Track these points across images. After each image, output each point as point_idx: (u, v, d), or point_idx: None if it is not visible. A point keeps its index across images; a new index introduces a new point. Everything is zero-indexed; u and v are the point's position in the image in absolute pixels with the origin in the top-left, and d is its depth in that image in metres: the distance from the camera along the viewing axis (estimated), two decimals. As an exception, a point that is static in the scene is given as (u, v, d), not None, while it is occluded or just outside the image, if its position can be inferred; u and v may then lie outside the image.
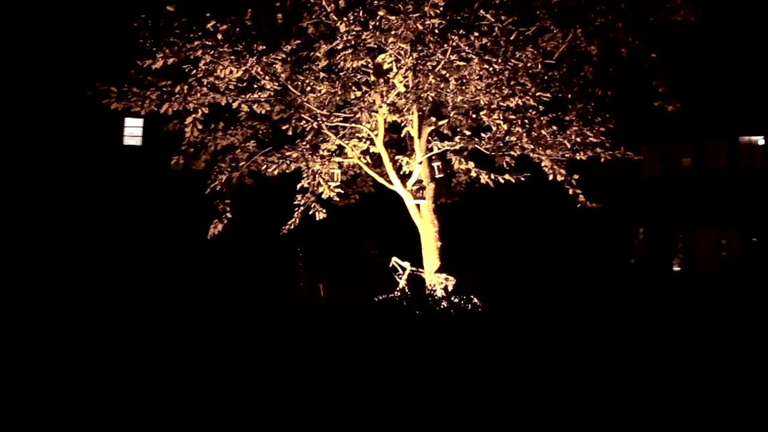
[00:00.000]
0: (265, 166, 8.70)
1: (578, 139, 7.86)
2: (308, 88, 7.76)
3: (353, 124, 8.52)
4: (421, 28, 6.61)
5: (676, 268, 21.38)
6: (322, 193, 8.43)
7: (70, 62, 20.13)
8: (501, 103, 7.20)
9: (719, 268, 20.08)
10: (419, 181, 8.49)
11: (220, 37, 7.06)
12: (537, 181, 8.96)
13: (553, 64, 7.42)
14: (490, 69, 6.84)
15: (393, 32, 6.67)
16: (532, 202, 15.54)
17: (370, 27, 6.74)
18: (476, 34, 7.07)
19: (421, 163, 8.43)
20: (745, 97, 19.97)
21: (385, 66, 7.81)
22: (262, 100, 8.25)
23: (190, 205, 19.17)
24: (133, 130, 22.96)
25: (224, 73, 7.42)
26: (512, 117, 8.03)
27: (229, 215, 8.71)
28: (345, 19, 6.99)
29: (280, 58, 7.19)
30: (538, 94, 7.14)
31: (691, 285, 16.83)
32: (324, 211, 8.66)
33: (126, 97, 7.93)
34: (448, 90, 7.31)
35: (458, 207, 11.30)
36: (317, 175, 8.34)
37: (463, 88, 7.15)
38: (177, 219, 19.07)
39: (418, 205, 8.85)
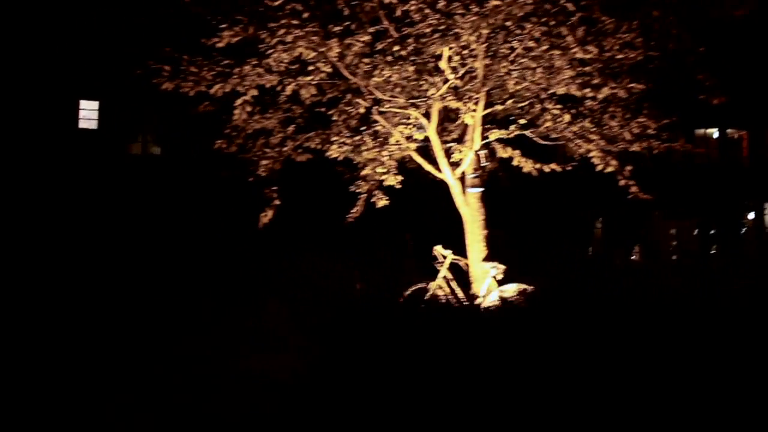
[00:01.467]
0: (326, 150, 8.40)
1: (637, 131, 8.02)
2: (375, 72, 7.49)
3: (405, 111, 8.33)
4: (521, 14, 6.52)
5: (634, 257, 22.32)
6: (384, 180, 8.21)
7: (25, 42, 18.76)
8: (588, 94, 7.23)
9: (677, 257, 21.18)
10: (476, 169, 8.42)
11: (305, 16, 6.70)
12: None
13: (654, 56, 7.51)
14: (584, 58, 6.85)
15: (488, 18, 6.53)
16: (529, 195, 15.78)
17: (472, 10, 6.57)
18: (553, 23, 7.06)
19: (477, 151, 8.36)
20: (700, 91, 20.96)
21: (443, 53, 7.64)
22: (314, 83, 7.93)
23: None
24: (88, 113, 21.62)
25: (292, 55, 7.06)
26: (559, 107, 8.09)
27: (277, 202, 8.37)
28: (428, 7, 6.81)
29: (363, 40, 6.90)
30: (630, 85, 7.23)
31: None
32: (386, 198, 8.44)
33: (179, 76, 7.41)
34: (533, 78, 7.27)
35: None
36: (385, 163, 8.10)
37: (550, 77, 7.13)
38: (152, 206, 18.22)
39: (464, 193, 8.76)
